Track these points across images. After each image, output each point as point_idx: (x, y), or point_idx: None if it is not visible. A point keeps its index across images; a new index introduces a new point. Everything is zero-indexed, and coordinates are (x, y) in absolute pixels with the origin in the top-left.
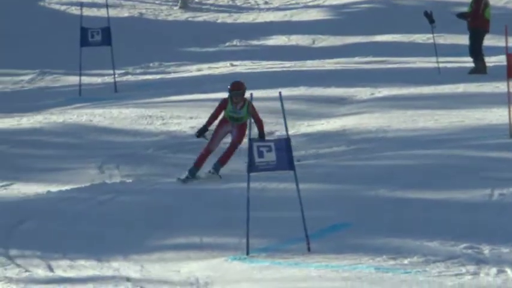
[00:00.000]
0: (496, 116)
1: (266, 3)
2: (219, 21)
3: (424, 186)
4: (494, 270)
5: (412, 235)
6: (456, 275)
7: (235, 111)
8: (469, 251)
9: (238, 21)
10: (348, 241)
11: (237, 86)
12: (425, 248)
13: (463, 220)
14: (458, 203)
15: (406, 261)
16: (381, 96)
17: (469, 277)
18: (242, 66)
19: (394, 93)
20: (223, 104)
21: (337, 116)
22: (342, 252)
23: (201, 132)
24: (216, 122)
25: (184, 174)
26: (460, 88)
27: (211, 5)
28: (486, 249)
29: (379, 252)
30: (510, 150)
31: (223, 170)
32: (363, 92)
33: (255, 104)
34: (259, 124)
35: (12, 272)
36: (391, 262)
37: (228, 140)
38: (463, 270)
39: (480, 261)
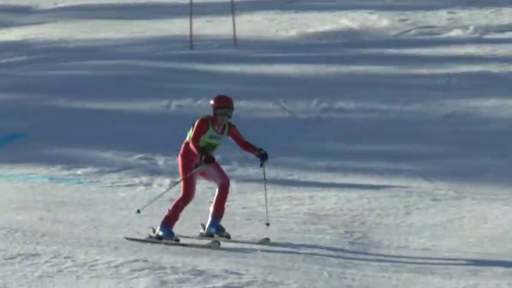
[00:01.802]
0: (177, 27)
1: None
2: None
3: (114, 98)
4: (167, 181)
5: (88, 146)
6: (129, 185)
7: (216, 135)
8: (144, 161)
9: None
10: (22, 151)
11: (228, 102)
12: (100, 159)
13: (139, 131)
14: (135, 114)
15: (79, 172)
16: (63, 6)
17: (142, 187)
18: None
19: (78, 4)
20: (204, 126)
21: (18, 25)
22: (17, 162)
23: (212, 157)
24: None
25: (155, 233)
26: None
27: None
28: (160, 160)
29: (54, 162)
30: (190, 61)
31: None
32: (46, 2)
33: None
34: (246, 144)
35: None
36: (65, 172)
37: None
38: (137, 181)
39: (154, 171)
